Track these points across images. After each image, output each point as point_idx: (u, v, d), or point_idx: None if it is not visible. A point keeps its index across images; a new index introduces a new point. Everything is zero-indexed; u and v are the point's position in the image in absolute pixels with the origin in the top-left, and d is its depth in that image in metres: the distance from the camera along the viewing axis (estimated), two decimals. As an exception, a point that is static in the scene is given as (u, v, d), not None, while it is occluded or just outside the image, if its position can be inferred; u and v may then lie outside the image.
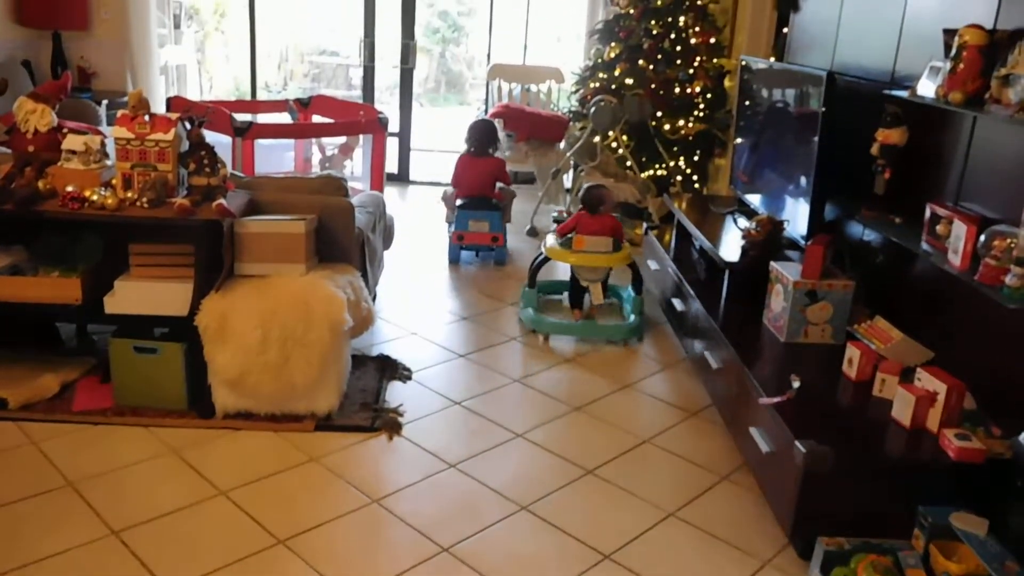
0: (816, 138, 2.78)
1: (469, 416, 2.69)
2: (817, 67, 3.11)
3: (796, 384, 2.23)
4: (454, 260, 4.23)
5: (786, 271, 2.60)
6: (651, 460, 2.49)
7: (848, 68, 3.05)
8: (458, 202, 4.17)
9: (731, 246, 3.11)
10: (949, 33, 2.12)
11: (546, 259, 3.45)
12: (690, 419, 2.75)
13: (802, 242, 2.88)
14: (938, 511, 1.85)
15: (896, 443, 2.04)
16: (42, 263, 2.57)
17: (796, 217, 3.00)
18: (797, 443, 1.94)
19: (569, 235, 3.37)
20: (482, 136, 4.26)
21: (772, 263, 2.70)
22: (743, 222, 3.31)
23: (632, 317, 3.42)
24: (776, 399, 2.17)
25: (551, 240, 3.48)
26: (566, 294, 3.56)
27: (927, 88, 2.24)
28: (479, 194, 4.18)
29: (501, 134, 5.18)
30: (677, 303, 3.23)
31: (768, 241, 2.99)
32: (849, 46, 3.11)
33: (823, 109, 2.73)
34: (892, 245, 2.60)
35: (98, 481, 2.19)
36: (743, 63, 3.76)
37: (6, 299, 2.48)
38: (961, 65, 2.02)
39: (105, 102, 4.82)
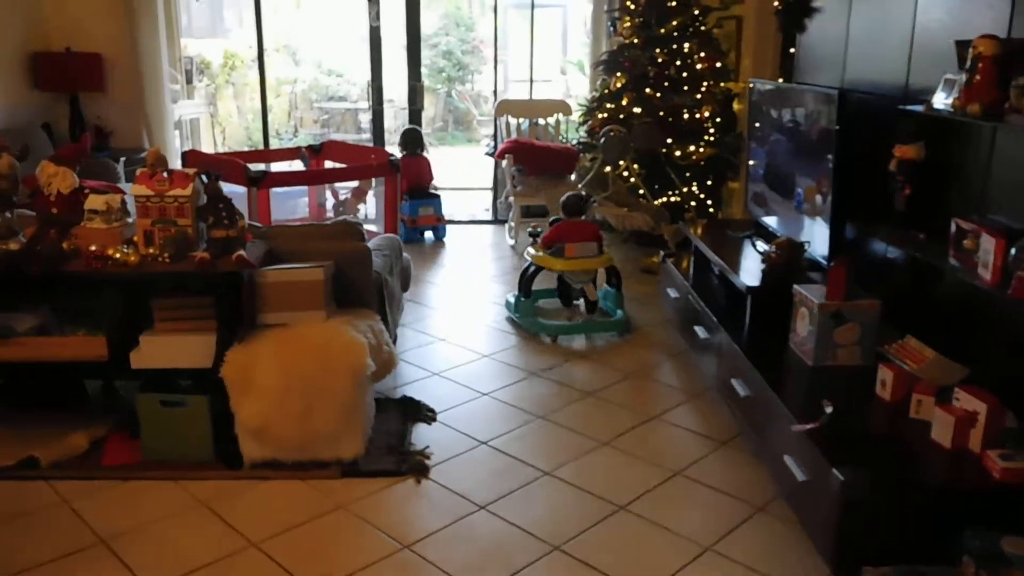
0: (831, 156, 2.77)
1: (496, 455, 2.65)
2: (828, 85, 3.11)
3: (829, 409, 2.18)
4: (408, 240, 5.07)
5: (810, 294, 2.56)
6: (684, 493, 2.44)
7: (859, 85, 3.04)
8: (405, 195, 5.18)
9: (751, 270, 3.08)
10: (962, 45, 2.11)
11: (539, 269, 3.74)
12: (720, 449, 2.70)
13: (824, 263, 2.85)
14: (986, 535, 1.79)
15: (938, 466, 1.98)
16: (68, 322, 2.59)
17: (816, 238, 2.97)
18: (834, 470, 1.89)
19: (559, 244, 3.68)
20: (412, 140, 5.48)
21: (795, 286, 2.67)
22: (762, 245, 3.29)
23: (618, 312, 3.78)
24: (809, 425, 2.12)
25: (531, 250, 3.80)
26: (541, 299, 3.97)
27: (943, 101, 2.22)
28: (419, 186, 5.32)
29: (512, 169, 5.22)
30: (699, 331, 3.19)
31: (789, 264, 2.96)
32: (859, 63, 3.11)
33: (837, 127, 2.72)
34: (917, 262, 2.57)
35: (130, 537, 2.18)
36: (752, 85, 3.77)
37: (34, 359, 2.51)
38: (977, 76, 2.01)
39: (123, 159, 4.91)
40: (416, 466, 2.54)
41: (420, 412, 2.92)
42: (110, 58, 5.19)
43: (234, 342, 2.44)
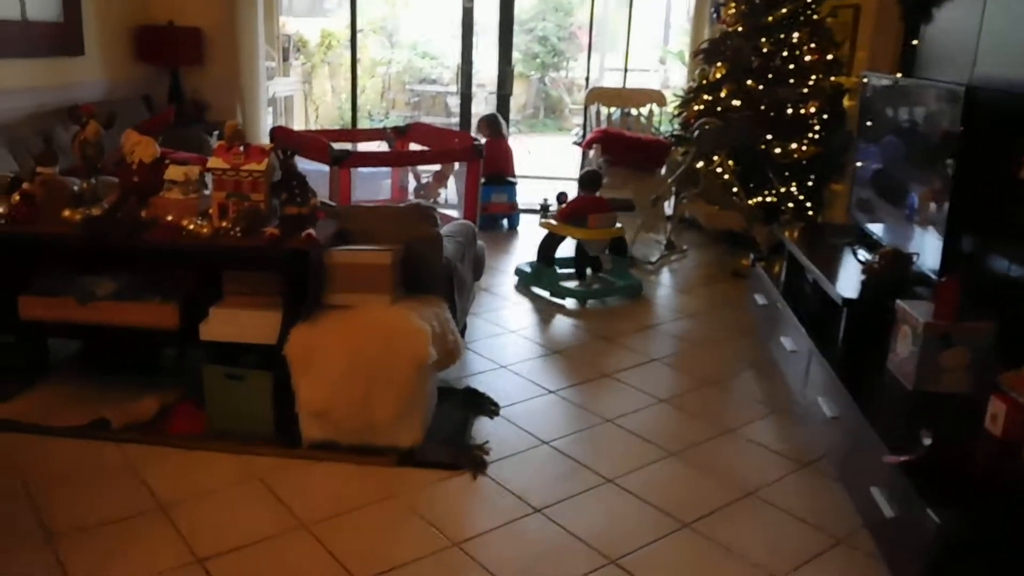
0: (952, 160, 2.49)
1: (558, 457, 2.54)
2: (953, 81, 2.81)
3: (927, 441, 1.96)
4: (482, 227, 5.03)
5: (915, 311, 2.31)
6: (756, 515, 2.25)
7: (992, 82, 2.73)
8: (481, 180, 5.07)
9: (850, 281, 2.84)
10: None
11: (560, 239, 4.07)
12: (800, 471, 2.49)
13: (934, 278, 2.58)
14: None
15: (1055, 519, 1.73)
16: (146, 289, 2.65)
17: (927, 250, 2.70)
18: (929, 511, 1.68)
19: (581, 215, 3.99)
20: (492, 125, 5.42)
21: (899, 301, 2.42)
22: (863, 254, 3.03)
23: (629, 277, 4.15)
24: (903, 458, 1.91)
25: (547, 221, 4.12)
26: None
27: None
28: (497, 172, 5.16)
29: (599, 160, 5.05)
30: (787, 342, 2.97)
31: (893, 276, 2.70)
32: (993, 57, 2.79)
33: (961, 128, 2.44)
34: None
35: (187, 506, 2.20)
36: (865, 80, 3.48)
37: (110, 323, 2.58)
38: None
39: (216, 133, 5.05)
40: (474, 460, 2.46)
41: (483, 405, 2.83)
42: (210, 33, 5.33)
43: (299, 321, 2.43)
